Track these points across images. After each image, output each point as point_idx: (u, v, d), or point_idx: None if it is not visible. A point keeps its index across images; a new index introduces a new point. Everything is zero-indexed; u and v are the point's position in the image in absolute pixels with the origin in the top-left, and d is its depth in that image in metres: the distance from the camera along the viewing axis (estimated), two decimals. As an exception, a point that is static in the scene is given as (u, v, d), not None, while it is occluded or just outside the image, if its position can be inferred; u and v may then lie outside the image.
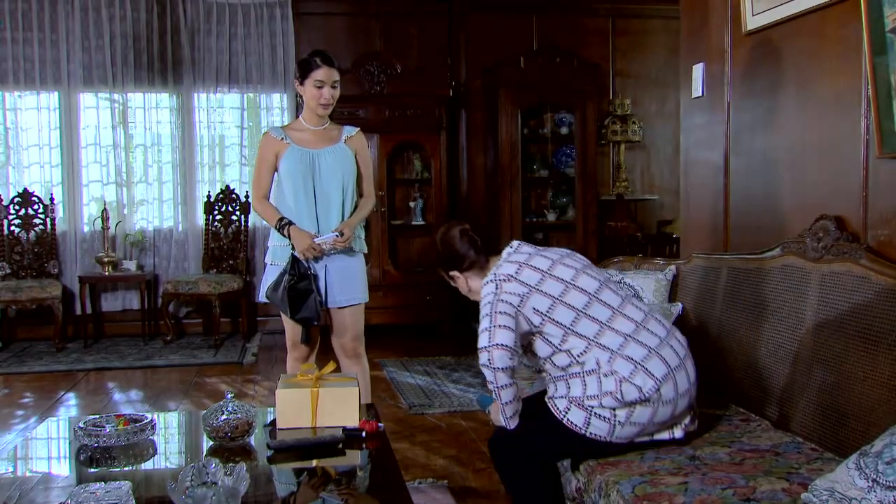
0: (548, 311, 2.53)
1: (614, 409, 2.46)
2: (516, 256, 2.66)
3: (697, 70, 3.92)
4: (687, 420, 2.59)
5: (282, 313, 3.75)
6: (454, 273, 2.82)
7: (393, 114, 7.24)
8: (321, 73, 3.68)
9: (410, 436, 4.40)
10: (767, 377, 2.89)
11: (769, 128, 3.35)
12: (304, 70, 3.71)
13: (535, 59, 7.51)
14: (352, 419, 2.78)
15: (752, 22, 3.38)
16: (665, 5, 7.32)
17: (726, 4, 3.62)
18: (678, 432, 2.58)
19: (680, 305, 3.50)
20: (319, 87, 3.68)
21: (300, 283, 3.61)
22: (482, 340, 2.50)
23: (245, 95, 7.68)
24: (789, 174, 3.22)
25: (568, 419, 2.49)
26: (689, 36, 4.05)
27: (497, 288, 2.56)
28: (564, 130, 7.76)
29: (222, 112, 7.70)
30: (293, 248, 3.62)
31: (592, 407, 2.47)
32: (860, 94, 2.77)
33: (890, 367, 2.34)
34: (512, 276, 2.58)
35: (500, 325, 2.49)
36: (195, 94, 7.58)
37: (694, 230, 4.03)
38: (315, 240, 3.61)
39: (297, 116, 3.90)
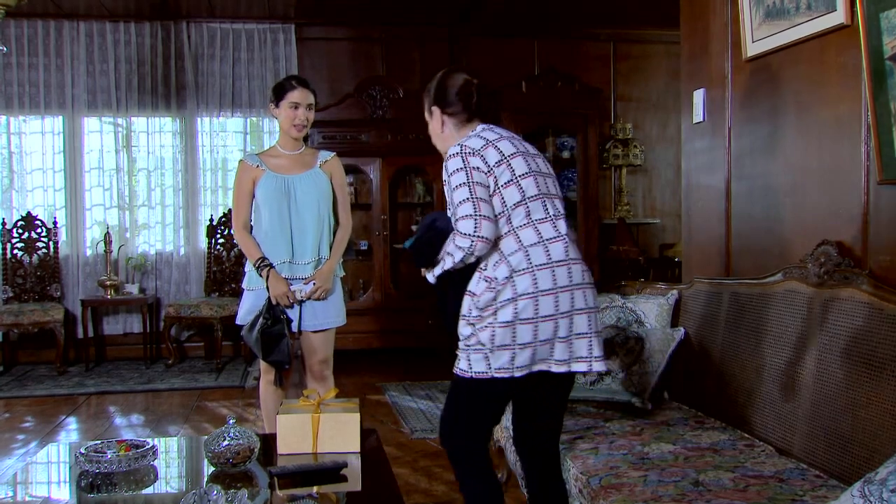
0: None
1: (498, 324, 2.43)
2: (487, 133, 2.62)
3: (698, 95, 3.94)
4: (594, 353, 2.54)
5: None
6: (435, 108, 2.75)
7: (395, 138, 7.27)
8: (296, 95, 3.73)
9: (412, 461, 4.37)
10: (770, 402, 2.88)
11: (770, 153, 3.37)
12: (279, 92, 3.77)
13: (537, 84, 7.54)
14: (353, 445, 2.78)
15: (752, 48, 3.41)
16: (666, 30, 7.37)
17: (727, 30, 3.65)
18: (596, 365, 2.54)
19: (682, 330, 3.49)
20: (294, 108, 3.73)
21: (274, 327, 3.65)
22: (465, 225, 2.45)
23: (248, 119, 7.72)
24: (790, 199, 3.23)
25: (474, 372, 2.48)
26: (689, 61, 4.08)
27: (464, 162, 2.52)
28: (566, 154, 7.79)
29: (225, 136, 7.74)
30: (269, 292, 3.67)
31: (481, 344, 2.46)
32: (860, 120, 2.79)
33: (893, 393, 2.33)
34: (477, 151, 2.54)
35: (483, 216, 2.45)
36: (198, 119, 7.62)
37: (696, 254, 4.04)
38: (291, 288, 3.68)
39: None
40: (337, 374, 4.06)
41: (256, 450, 2.63)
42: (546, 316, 2.44)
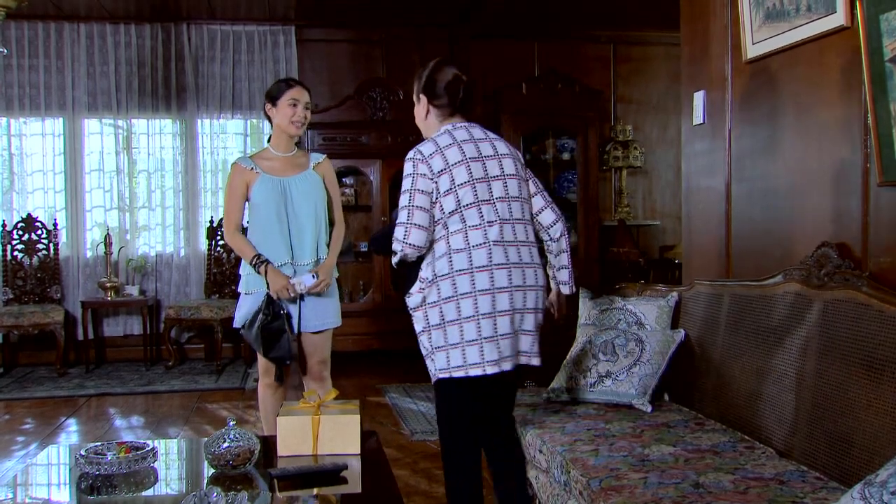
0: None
1: (432, 327, 2.75)
2: (443, 138, 2.78)
3: (698, 97, 3.94)
4: (512, 350, 2.74)
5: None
6: (423, 96, 2.89)
7: (395, 140, 7.26)
8: (295, 91, 3.76)
9: (412, 463, 4.37)
10: (771, 404, 2.88)
11: (770, 155, 3.37)
12: (277, 91, 3.78)
13: (537, 85, 7.55)
14: (353, 446, 2.78)
15: (752, 50, 3.41)
16: (666, 32, 7.37)
17: (727, 33, 3.65)
18: (523, 359, 2.80)
19: (682, 332, 3.49)
20: (293, 105, 3.73)
21: (274, 323, 3.64)
22: (399, 231, 2.71)
23: (248, 121, 7.72)
24: (790, 201, 3.23)
25: (448, 373, 2.74)
26: (690, 63, 4.08)
27: (414, 167, 2.73)
28: (566, 156, 7.79)
29: (225, 138, 7.73)
30: (268, 287, 3.65)
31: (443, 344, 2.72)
32: (860, 122, 2.79)
33: (893, 396, 2.33)
34: (426, 158, 2.73)
35: (415, 224, 2.68)
36: (198, 120, 7.62)
37: (696, 256, 4.04)
38: (291, 281, 3.66)
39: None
40: (337, 376, 4.06)
41: (256, 452, 2.63)
42: (468, 317, 2.66)
